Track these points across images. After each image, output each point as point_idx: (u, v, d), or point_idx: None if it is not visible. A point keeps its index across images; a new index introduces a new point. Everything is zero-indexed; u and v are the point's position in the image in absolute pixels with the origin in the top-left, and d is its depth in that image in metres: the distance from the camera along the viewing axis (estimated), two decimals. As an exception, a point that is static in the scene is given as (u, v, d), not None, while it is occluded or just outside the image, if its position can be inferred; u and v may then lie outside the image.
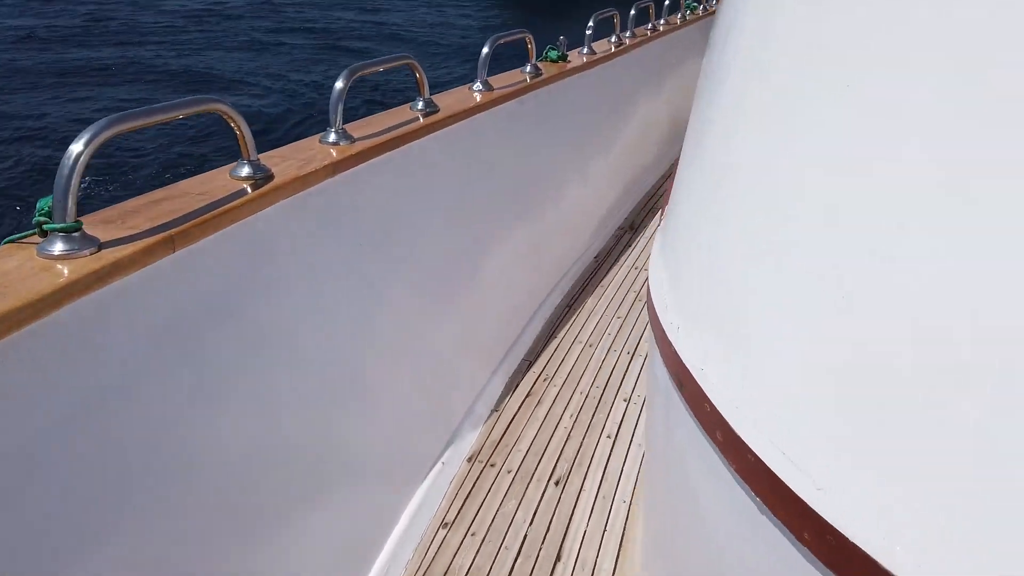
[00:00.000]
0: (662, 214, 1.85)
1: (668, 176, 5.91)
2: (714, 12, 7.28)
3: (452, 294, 2.86)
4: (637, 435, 2.84)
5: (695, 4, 6.47)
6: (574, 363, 3.34)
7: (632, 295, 4.00)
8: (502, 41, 3.05)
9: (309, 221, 1.99)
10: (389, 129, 2.35)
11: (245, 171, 1.79)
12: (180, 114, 1.54)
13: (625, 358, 3.39)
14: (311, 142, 2.18)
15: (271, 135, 10.22)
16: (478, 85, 3.04)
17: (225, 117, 1.68)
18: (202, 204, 1.61)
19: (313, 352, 2.04)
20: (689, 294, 1.35)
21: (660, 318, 1.42)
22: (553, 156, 3.88)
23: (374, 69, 2.30)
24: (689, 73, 6.59)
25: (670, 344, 1.32)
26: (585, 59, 4.00)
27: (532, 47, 3.43)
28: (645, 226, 4.96)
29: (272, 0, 23.03)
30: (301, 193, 1.90)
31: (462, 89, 3.05)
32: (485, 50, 2.99)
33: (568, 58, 3.85)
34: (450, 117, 2.65)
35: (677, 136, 6.68)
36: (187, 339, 1.58)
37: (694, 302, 1.32)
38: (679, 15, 6.05)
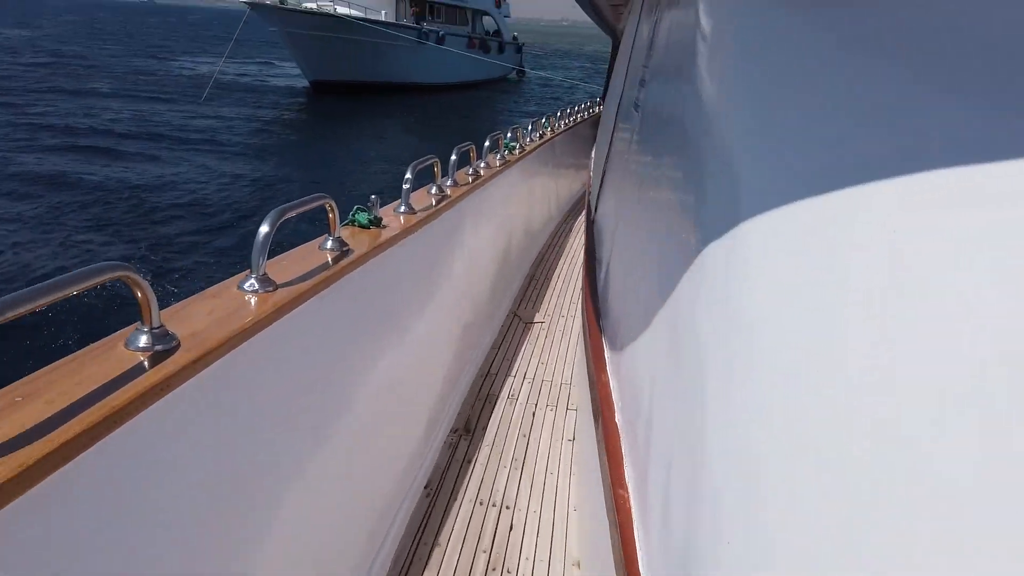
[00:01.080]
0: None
1: (497, 347, 4.93)
2: (531, 151, 6.88)
3: None
4: None
5: (513, 145, 6.06)
6: None
7: (483, 556, 2.80)
8: (291, 215, 1.89)
9: None
10: (90, 399, 1.17)
11: None
12: None
13: None
14: None
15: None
16: (251, 283, 1.82)
17: None
18: None
19: None
20: None
21: None
22: (361, 352, 2.65)
23: (62, 294, 1.14)
24: (512, 215, 6.00)
25: None
26: (403, 220, 2.95)
27: (335, 215, 2.28)
28: (482, 426, 3.85)
29: (14, 104, 20.01)
30: None
31: (227, 288, 1.81)
32: (264, 229, 1.80)
33: (382, 220, 2.79)
34: (202, 358, 1.43)
35: (505, 289, 5.86)
36: None
37: None
38: (498, 156, 5.42)
